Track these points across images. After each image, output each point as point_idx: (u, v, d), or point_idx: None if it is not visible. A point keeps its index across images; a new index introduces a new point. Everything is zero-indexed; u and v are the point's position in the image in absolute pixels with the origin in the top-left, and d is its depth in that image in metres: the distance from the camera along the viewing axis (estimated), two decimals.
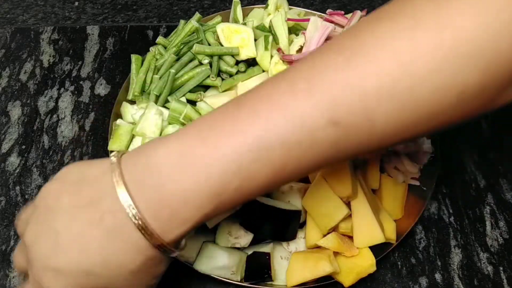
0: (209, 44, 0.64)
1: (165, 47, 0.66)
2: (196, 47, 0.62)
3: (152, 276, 0.37)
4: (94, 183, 0.34)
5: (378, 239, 0.51)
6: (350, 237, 0.53)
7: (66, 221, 0.33)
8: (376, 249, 0.52)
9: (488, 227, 0.60)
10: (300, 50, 0.64)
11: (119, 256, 0.33)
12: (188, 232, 0.34)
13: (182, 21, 0.68)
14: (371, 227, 0.51)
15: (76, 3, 0.85)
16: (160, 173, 0.32)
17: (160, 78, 0.62)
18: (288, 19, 0.68)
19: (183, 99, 0.62)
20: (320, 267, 0.49)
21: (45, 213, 0.34)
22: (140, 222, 0.32)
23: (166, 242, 0.33)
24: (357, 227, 0.52)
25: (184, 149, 0.32)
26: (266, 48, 0.63)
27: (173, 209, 0.32)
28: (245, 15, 0.71)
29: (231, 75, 0.64)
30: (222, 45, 0.64)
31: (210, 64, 0.63)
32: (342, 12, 0.66)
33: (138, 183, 0.32)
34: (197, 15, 0.67)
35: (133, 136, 0.60)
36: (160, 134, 0.59)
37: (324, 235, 0.51)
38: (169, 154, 0.32)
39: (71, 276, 0.33)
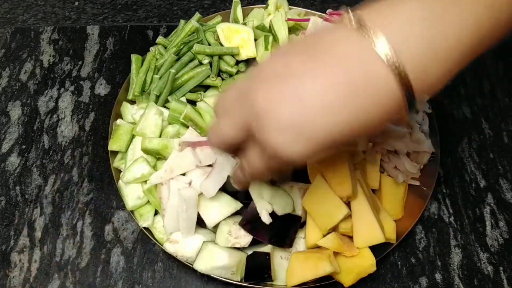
0: (209, 44, 0.64)
1: (165, 47, 0.66)
2: (196, 47, 0.62)
3: (384, 126, 0.36)
4: (334, 42, 0.32)
5: (378, 239, 0.51)
6: (350, 237, 0.53)
7: (306, 81, 0.31)
8: (376, 249, 0.52)
9: (488, 227, 0.60)
10: None
11: (369, 113, 0.32)
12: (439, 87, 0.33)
13: (182, 21, 0.68)
14: (371, 227, 0.51)
15: (76, 3, 0.85)
16: (419, 21, 0.31)
17: (160, 78, 0.62)
18: (288, 19, 0.68)
19: (183, 99, 0.62)
20: (320, 267, 0.49)
21: (276, 77, 0.32)
22: (401, 75, 0.30)
23: (423, 93, 0.32)
24: (357, 227, 0.52)
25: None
26: (266, 48, 0.63)
27: (438, 59, 0.31)
28: (245, 15, 0.71)
29: (231, 75, 0.64)
30: (222, 45, 0.64)
31: (210, 64, 0.63)
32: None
33: (398, 34, 0.31)
34: (197, 15, 0.67)
35: (133, 136, 0.60)
36: (160, 135, 0.59)
37: (324, 235, 0.51)
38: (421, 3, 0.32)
39: (313, 137, 0.32)
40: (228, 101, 0.36)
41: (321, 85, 0.31)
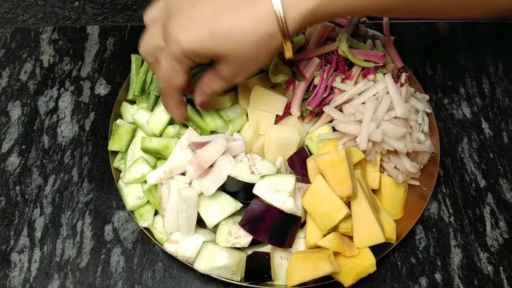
0: None
1: None
2: None
3: (261, 59, 0.45)
4: None
5: (378, 239, 0.51)
6: (350, 237, 0.53)
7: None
8: (376, 249, 0.52)
9: (488, 227, 0.60)
10: (300, 50, 0.64)
11: (245, 26, 0.42)
12: (309, 23, 0.43)
13: None
14: (371, 227, 0.51)
15: (76, 3, 0.85)
16: None
17: None
18: None
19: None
20: (320, 267, 0.49)
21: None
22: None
23: (290, 25, 0.42)
24: (357, 227, 0.52)
25: None
26: None
27: None
28: None
29: None
30: None
31: (210, 64, 0.63)
32: None
33: None
34: None
35: (133, 136, 0.60)
36: (161, 134, 0.59)
37: (324, 235, 0.51)
38: None
39: (200, 29, 0.42)
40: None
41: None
